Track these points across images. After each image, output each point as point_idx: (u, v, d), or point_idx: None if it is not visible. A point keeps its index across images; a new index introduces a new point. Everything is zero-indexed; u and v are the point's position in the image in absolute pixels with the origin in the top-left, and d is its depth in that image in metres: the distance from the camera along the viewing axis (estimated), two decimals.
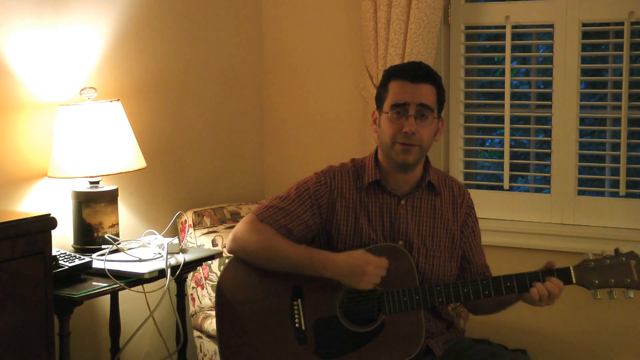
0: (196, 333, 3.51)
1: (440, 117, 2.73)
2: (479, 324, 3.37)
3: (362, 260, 2.58)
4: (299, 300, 2.66)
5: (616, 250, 2.62)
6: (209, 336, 3.38)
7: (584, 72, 3.67)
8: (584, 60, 3.65)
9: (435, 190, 2.76)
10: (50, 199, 3.20)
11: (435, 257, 2.72)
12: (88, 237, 3.14)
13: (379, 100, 2.73)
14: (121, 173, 3.18)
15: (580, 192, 3.68)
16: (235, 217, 3.73)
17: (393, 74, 2.71)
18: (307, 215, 2.72)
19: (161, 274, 2.95)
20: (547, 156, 3.78)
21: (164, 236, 3.19)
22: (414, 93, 2.64)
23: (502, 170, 3.80)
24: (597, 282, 2.59)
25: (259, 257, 2.68)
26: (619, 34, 3.54)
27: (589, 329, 3.63)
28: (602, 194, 3.73)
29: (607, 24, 3.59)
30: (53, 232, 2.66)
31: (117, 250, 3.10)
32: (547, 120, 3.72)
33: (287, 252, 2.65)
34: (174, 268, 2.98)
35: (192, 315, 3.56)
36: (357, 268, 2.57)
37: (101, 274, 2.90)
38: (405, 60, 3.62)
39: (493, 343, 2.73)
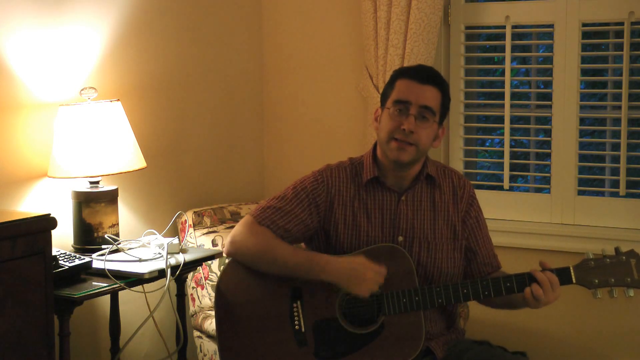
0: (196, 333, 3.51)
1: (441, 125, 2.71)
2: (479, 325, 3.37)
3: (363, 265, 2.57)
4: (299, 302, 2.65)
5: (616, 249, 2.61)
6: (209, 336, 3.38)
7: (584, 72, 3.67)
8: (584, 60, 3.65)
9: (435, 183, 2.75)
10: (50, 199, 3.20)
11: (437, 250, 2.71)
12: (88, 237, 3.14)
13: (384, 97, 2.72)
14: (121, 173, 3.18)
15: (580, 192, 3.68)
16: (235, 217, 3.73)
17: (402, 72, 2.72)
18: (305, 215, 2.71)
19: (161, 274, 2.95)
20: (547, 156, 3.78)
21: (164, 236, 3.19)
22: (418, 93, 2.64)
23: (502, 170, 3.80)
24: (597, 281, 2.58)
25: (257, 261, 2.67)
26: (619, 34, 3.53)
27: (589, 330, 3.62)
28: (602, 194, 3.73)
29: (607, 24, 3.59)
30: (53, 232, 2.66)
31: (117, 250, 3.10)
32: (547, 120, 3.72)
33: (285, 256, 2.63)
34: (174, 268, 2.98)
35: (192, 315, 3.56)
36: (357, 273, 2.56)
37: (101, 274, 2.90)
38: (405, 61, 3.62)
39: (493, 345, 2.71)
